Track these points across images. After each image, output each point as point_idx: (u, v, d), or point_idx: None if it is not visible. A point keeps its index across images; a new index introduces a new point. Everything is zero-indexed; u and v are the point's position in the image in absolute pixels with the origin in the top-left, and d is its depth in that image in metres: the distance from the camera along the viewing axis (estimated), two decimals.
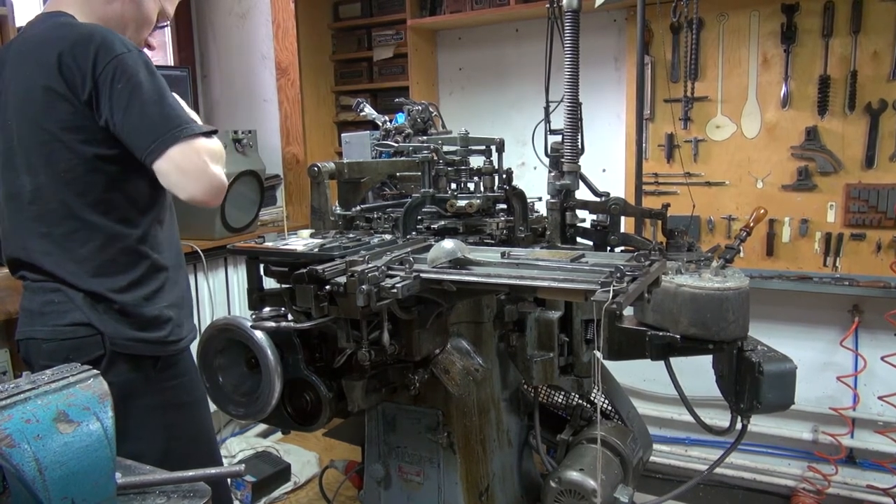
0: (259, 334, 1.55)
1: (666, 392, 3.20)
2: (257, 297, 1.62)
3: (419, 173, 1.91)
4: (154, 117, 1.40)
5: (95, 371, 0.84)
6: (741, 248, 1.92)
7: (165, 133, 1.40)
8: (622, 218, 1.89)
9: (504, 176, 1.94)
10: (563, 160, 1.91)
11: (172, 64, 3.99)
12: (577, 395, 2.10)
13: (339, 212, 1.92)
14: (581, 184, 1.96)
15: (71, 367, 0.84)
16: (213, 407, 1.70)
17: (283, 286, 1.49)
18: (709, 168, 3.05)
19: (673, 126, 3.06)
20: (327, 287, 1.30)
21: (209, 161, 1.44)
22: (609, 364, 2.04)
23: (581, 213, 1.92)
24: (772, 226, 2.96)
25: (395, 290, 1.25)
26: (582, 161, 1.95)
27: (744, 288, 1.58)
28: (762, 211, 1.98)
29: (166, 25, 1.73)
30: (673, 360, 1.73)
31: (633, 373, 3.25)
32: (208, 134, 1.47)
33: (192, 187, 1.42)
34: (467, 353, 1.67)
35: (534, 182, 3.26)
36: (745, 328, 1.62)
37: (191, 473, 0.86)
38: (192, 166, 1.41)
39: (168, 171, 1.41)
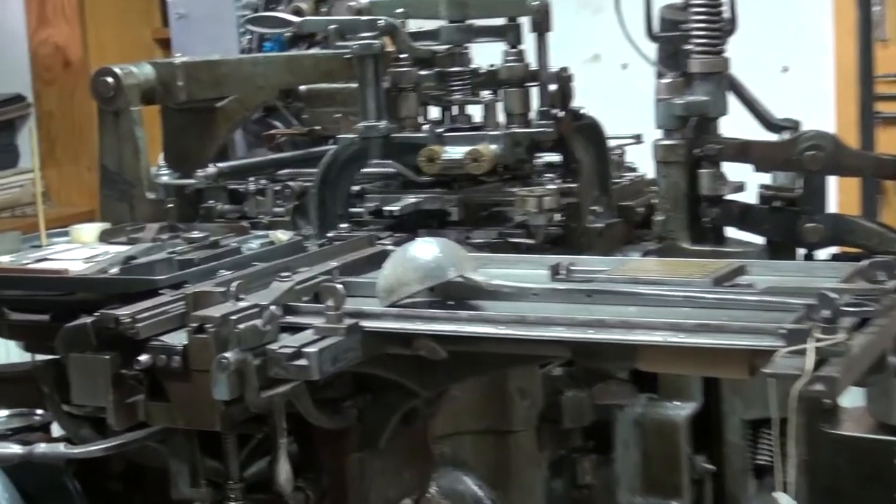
0: None
1: None
2: None
3: (354, 84, 1.70)
4: None
5: None
6: None
7: None
8: (829, 180, 1.74)
9: (555, 88, 1.68)
10: (688, 48, 1.72)
11: None
12: None
13: (167, 180, 1.72)
14: (733, 100, 1.80)
15: None
16: None
17: (39, 359, 1.41)
18: None
19: None
20: (143, 359, 1.13)
21: None
22: None
23: (735, 173, 1.75)
24: None
25: (303, 364, 1.07)
26: (733, 49, 1.74)
27: None
28: None
29: None
30: None
31: None
32: None
33: None
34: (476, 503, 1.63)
35: (621, 99, 2.67)
36: None
37: None
38: None
39: None
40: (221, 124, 1.77)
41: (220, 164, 1.76)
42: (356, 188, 1.73)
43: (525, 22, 1.72)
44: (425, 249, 1.24)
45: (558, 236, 1.67)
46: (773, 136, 1.79)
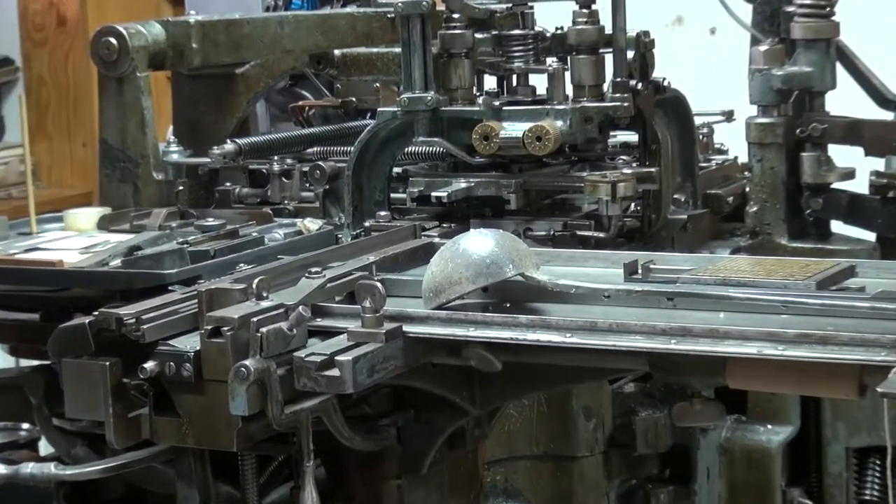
0: None
1: None
2: None
3: (396, 49, 1.66)
4: None
5: None
6: None
7: None
8: None
9: (633, 55, 1.61)
10: (790, 10, 1.68)
11: None
12: None
13: (177, 158, 1.66)
14: (842, 71, 1.75)
15: None
16: None
17: (26, 365, 1.40)
18: None
19: None
20: (148, 366, 1.07)
21: None
22: None
23: (843, 157, 1.69)
24: None
25: (335, 374, 1.04)
26: (842, 12, 1.67)
27: None
28: None
29: None
30: None
31: None
32: None
33: None
34: None
35: (709, 69, 2.76)
36: None
37: None
38: None
39: None
40: (241, 94, 1.70)
41: (240, 141, 1.69)
42: (398, 170, 1.66)
43: None
44: (479, 243, 1.19)
45: (634, 229, 1.61)
46: (888, 115, 1.71)
